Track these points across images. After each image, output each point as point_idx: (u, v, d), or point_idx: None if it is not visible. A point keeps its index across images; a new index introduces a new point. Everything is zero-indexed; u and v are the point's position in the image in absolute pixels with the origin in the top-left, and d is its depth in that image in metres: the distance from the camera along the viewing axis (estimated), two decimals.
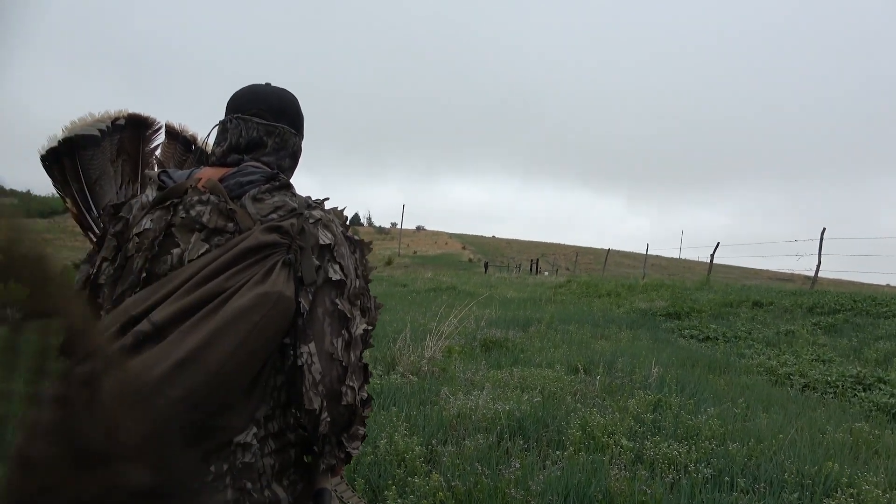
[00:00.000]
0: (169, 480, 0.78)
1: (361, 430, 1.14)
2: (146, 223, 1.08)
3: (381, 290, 15.57)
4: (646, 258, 24.73)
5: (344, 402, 1.06)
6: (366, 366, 1.13)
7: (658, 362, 5.82)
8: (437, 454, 3.33)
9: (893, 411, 4.96)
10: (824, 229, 13.07)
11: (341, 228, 1.14)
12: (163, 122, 1.65)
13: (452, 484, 2.88)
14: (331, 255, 1.08)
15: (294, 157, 1.28)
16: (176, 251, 1.05)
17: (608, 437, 3.66)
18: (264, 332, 0.97)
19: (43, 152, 1.43)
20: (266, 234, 1.03)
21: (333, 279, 1.07)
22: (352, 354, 1.07)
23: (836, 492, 3.07)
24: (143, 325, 0.94)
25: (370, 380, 1.17)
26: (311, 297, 1.04)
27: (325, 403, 1.03)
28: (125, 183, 1.55)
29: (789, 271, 15.71)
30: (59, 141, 1.43)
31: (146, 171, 1.54)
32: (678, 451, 3.42)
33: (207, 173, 1.14)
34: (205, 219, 1.06)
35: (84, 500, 0.74)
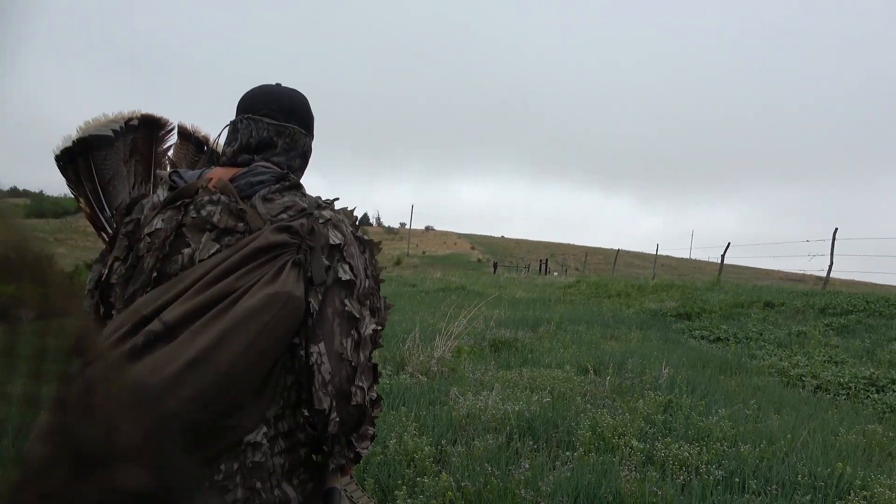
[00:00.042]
0: (168, 482, 0.78)
1: (371, 430, 1.14)
2: (157, 223, 1.08)
3: (390, 290, 15.59)
4: (656, 258, 24.60)
5: (353, 402, 1.06)
6: (375, 366, 1.13)
7: (668, 363, 5.79)
8: (447, 454, 3.33)
9: None
10: (836, 229, 12.97)
11: (351, 228, 1.14)
12: (175, 123, 1.66)
13: (462, 484, 2.87)
14: (340, 256, 1.08)
15: (304, 157, 1.28)
16: (187, 251, 1.06)
17: (618, 438, 3.64)
18: (274, 332, 0.97)
19: (57, 152, 1.44)
20: (276, 234, 1.03)
21: (343, 279, 1.07)
22: (361, 354, 1.07)
23: (849, 494, 3.04)
24: (155, 325, 0.95)
25: (379, 380, 1.17)
26: (320, 297, 1.04)
27: (334, 403, 1.03)
28: (138, 183, 1.56)
29: (801, 272, 15.58)
30: (74, 141, 1.45)
31: (157, 171, 1.55)
32: (689, 453, 3.39)
33: (218, 173, 1.14)
34: (215, 219, 1.06)
35: (83, 502, 0.75)
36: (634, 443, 3.53)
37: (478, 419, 3.86)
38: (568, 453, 3.42)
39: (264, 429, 1.01)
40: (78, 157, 1.46)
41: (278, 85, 1.25)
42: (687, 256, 39.37)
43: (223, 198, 1.08)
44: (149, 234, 1.08)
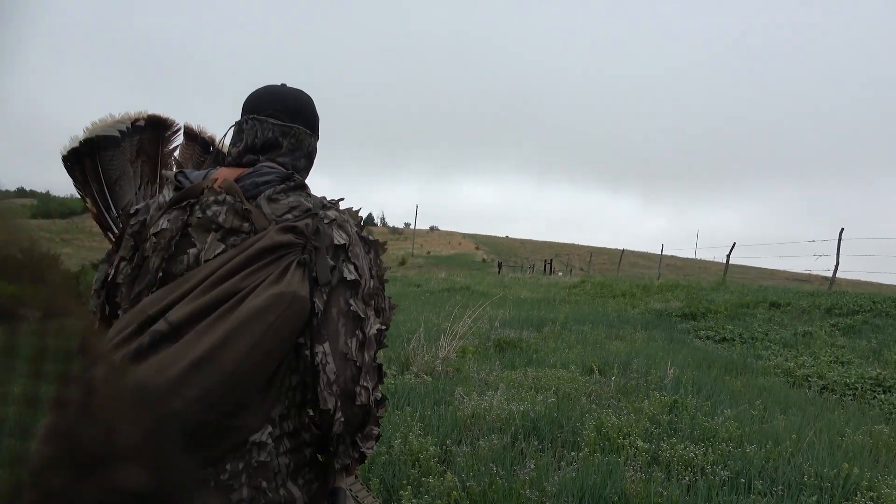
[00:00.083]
0: (168, 482, 0.78)
1: (376, 430, 1.14)
2: (163, 223, 1.09)
3: (394, 291, 15.60)
4: (661, 258, 24.54)
5: (358, 402, 1.06)
6: (380, 366, 1.14)
7: (674, 363, 5.78)
8: (452, 454, 3.33)
9: None
10: (843, 229, 12.90)
11: (356, 229, 1.14)
12: (182, 124, 1.66)
13: (467, 484, 2.87)
14: (345, 256, 1.08)
15: (309, 157, 1.28)
16: (192, 251, 1.06)
17: (623, 438, 3.63)
18: (279, 332, 0.97)
19: (65, 153, 1.45)
20: (281, 234, 1.04)
21: (348, 279, 1.07)
22: (366, 354, 1.08)
23: (856, 495, 3.03)
24: (160, 325, 0.95)
25: (384, 380, 1.18)
26: (325, 298, 1.04)
27: (339, 403, 1.03)
28: (144, 183, 1.57)
29: (807, 272, 15.51)
30: (81, 142, 1.45)
31: (163, 171, 1.56)
32: (695, 453, 3.39)
33: (223, 174, 1.15)
34: (221, 219, 1.07)
35: (83, 502, 0.75)
36: (640, 443, 3.52)
37: (483, 419, 3.86)
38: (573, 453, 3.42)
39: (269, 428, 1.01)
40: (85, 158, 1.46)
41: (283, 85, 1.25)
42: (692, 256, 39.27)
43: (228, 198, 1.08)
44: (154, 235, 1.08)
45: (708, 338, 8.37)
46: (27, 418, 0.71)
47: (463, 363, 5.67)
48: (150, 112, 1.58)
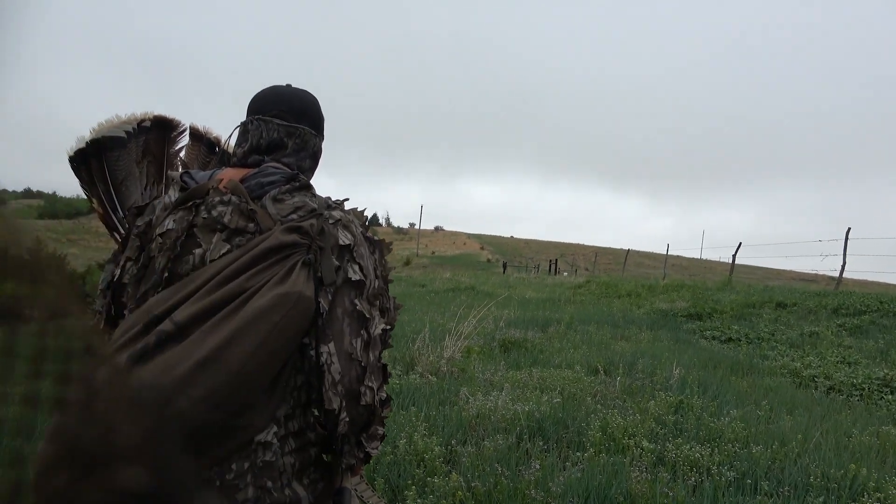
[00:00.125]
0: (168, 482, 0.79)
1: (380, 430, 1.15)
2: (169, 223, 1.09)
3: (399, 291, 15.61)
4: (666, 258, 24.48)
5: (363, 402, 1.06)
6: (385, 366, 1.14)
7: (679, 364, 5.76)
8: (457, 454, 3.32)
9: None
10: (849, 229, 12.84)
11: (360, 229, 1.14)
12: (187, 125, 1.67)
13: (472, 484, 2.87)
14: (350, 256, 1.08)
15: (314, 157, 1.28)
16: (198, 251, 1.07)
17: (629, 438, 3.63)
18: (284, 331, 0.97)
19: (71, 153, 1.45)
20: (286, 234, 1.04)
21: (353, 279, 1.07)
22: (371, 354, 1.08)
23: (863, 496, 3.01)
24: (166, 325, 0.95)
25: (389, 380, 1.18)
26: (330, 298, 1.05)
27: (344, 403, 1.04)
28: (150, 184, 1.57)
29: (813, 272, 15.45)
30: (87, 142, 1.46)
31: (169, 172, 1.56)
32: (700, 454, 3.37)
33: (229, 174, 1.15)
34: (226, 219, 1.07)
35: (85, 502, 0.75)
36: (645, 443, 3.51)
37: (488, 419, 3.86)
38: (578, 454, 3.41)
39: (275, 428, 1.01)
40: (91, 159, 1.47)
41: (289, 86, 1.26)
42: (698, 256, 39.18)
43: (234, 198, 1.09)
44: (160, 235, 1.09)
45: (714, 338, 8.35)
46: (27, 418, 0.71)
47: (468, 363, 5.66)
48: (156, 113, 1.58)
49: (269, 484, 1.00)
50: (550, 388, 4.75)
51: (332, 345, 1.03)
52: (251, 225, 1.07)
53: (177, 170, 1.61)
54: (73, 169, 1.47)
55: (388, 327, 1.15)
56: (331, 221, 1.09)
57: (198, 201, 1.10)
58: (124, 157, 1.51)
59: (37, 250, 0.69)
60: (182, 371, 0.89)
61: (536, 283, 21.07)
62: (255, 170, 1.15)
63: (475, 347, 6.35)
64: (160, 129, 1.60)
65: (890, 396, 5.32)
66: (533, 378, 5.11)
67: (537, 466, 3.10)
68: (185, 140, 1.67)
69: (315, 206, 1.10)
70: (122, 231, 1.44)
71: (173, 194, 1.14)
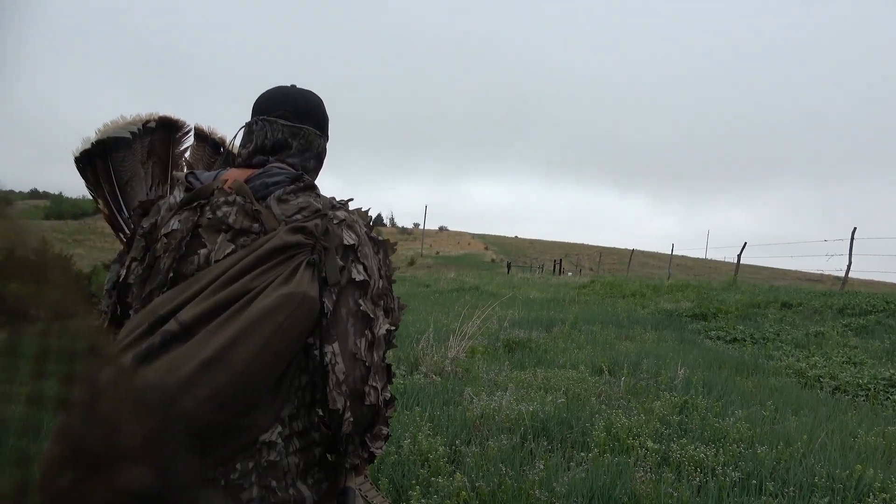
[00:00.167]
0: (172, 482, 0.79)
1: (385, 430, 1.15)
2: (174, 224, 1.09)
3: (403, 291, 15.61)
4: (671, 258, 24.41)
5: (367, 402, 1.06)
6: (389, 366, 1.14)
7: (684, 364, 5.75)
8: (461, 454, 3.33)
9: None
10: (855, 229, 12.78)
11: (365, 229, 1.14)
12: (192, 125, 1.67)
13: (476, 484, 2.87)
14: (354, 256, 1.09)
15: (319, 158, 1.29)
16: (203, 251, 1.07)
17: (633, 438, 3.62)
18: (289, 332, 0.98)
19: (77, 154, 1.46)
20: (291, 234, 1.04)
21: (357, 280, 1.07)
22: (375, 354, 1.08)
23: (869, 496, 3.00)
24: (171, 325, 0.96)
25: (393, 380, 1.18)
26: (334, 298, 1.05)
27: (348, 403, 1.04)
28: (155, 184, 1.58)
29: (819, 272, 15.39)
30: (92, 143, 1.46)
31: (174, 172, 1.57)
32: (705, 454, 3.37)
33: (233, 174, 1.15)
34: (231, 220, 1.07)
35: (88, 502, 0.75)
36: (650, 444, 3.51)
37: (492, 419, 3.86)
38: (583, 454, 3.41)
39: (279, 428, 1.02)
40: (97, 159, 1.47)
41: (293, 86, 1.26)
42: (703, 256, 39.04)
43: (238, 199, 1.09)
44: (165, 235, 1.09)
45: (719, 338, 8.32)
46: (33, 418, 0.72)
47: (472, 363, 5.66)
48: (161, 114, 1.59)
49: (274, 483, 1.00)
50: (555, 389, 4.75)
51: (336, 345, 1.03)
52: (256, 225, 1.07)
53: (182, 170, 1.61)
54: (78, 170, 1.47)
55: (393, 327, 1.15)
56: (335, 222, 1.09)
57: (203, 202, 1.10)
58: (129, 158, 1.51)
59: (43, 251, 0.69)
60: (187, 371, 0.89)
61: (541, 283, 21.05)
62: (260, 170, 1.15)
63: (479, 347, 6.35)
64: (165, 130, 1.60)
65: None
66: (537, 378, 5.10)
67: (541, 466, 3.10)
68: (189, 141, 1.67)
69: (319, 206, 1.10)
70: (128, 231, 1.45)
71: (178, 195, 1.14)
